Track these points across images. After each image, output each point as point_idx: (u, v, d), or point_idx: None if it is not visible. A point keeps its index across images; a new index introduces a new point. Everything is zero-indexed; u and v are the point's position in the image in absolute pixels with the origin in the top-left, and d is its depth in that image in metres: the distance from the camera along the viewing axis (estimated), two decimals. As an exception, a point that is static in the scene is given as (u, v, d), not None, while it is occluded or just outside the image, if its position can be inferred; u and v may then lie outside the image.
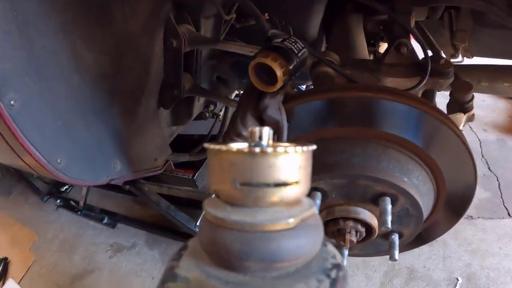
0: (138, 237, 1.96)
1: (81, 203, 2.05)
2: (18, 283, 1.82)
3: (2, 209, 2.28)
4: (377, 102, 0.70)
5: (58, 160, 0.81)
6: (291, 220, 0.22)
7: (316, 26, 1.16)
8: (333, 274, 0.23)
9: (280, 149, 0.22)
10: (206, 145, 0.23)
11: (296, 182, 0.23)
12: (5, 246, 2.04)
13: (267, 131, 0.23)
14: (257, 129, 0.23)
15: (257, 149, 0.22)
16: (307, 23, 1.14)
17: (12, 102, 0.68)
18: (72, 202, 2.17)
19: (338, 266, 0.24)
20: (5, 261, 1.91)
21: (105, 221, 2.03)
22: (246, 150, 0.22)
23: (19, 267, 1.91)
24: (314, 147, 0.25)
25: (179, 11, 0.99)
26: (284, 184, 0.22)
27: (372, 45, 1.60)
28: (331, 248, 0.26)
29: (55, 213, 2.18)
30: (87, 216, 2.08)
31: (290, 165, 0.23)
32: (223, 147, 0.22)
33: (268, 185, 0.22)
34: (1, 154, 0.87)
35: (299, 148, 0.22)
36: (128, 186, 1.55)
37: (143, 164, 1.06)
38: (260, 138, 0.23)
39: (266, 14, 1.03)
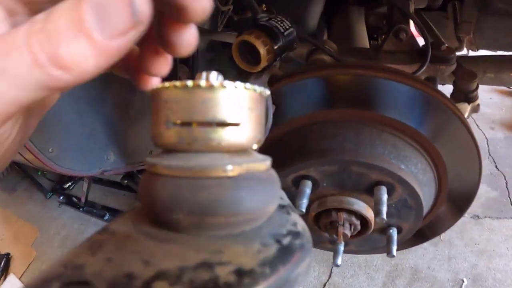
0: (138, 234, 1.96)
1: (83, 200, 2.06)
2: (19, 279, 1.83)
3: (7, 206, 2.31)
4: (371, 81, 0.65)
5: (50, 149, 0.80)
6: (230, 167, 0.19)
7: (315, 17, 1.14)
8: (285, 240, 0.19)
9: (215, 83, 0.19)
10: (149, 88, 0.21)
11: (237, 124, 0.20)
12: (8, 242, 2.07)
13: (214, 74, 0.20)
14: (204, 72, 0.21)
15: (190, 82, 0.19)
16: (307, 14, 1.12)
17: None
18: (74, 199, 2.18)
19: (295, 234, 0.20)
20: (7, 257, 1.93)
21: (106, 217, 2.04)
22: (178, 84, 0.19)
23: (20, 262, 1.93)
24: (267, 91, 0.22)
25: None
26: (221, 124, 0.19)
27: (375, 39, 1.57)
28: (295, 217, 0.22)
29: (58, 210, 2.19)
30: (89, 213, 2.09)
31: (229, 102, 0.19)
32: (159, 85, 0.20)
33: (202, 123, 0.19)
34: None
35: (240, 84, 0.19)
36: (126, 181, 1.54)
37: (138, 157, 1.05)
38: (206, 79, 0.20)
39: (264, 5, 1.02)
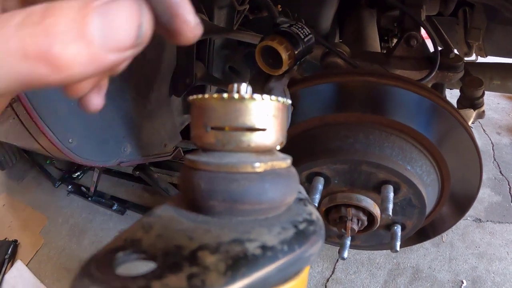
0: (145, 225, 2.00)
1: (92, 189, 2.09)
2: (27, 265, 1.87)
3: (15, 194, 2.34)
4: (382, 88, 0.69)
5: (70, 140, 0.83)
6: (257, 165, 0.23)
7: (328, 19, 1.16)
8: (301, 226, 0.23)
9: (246, 95, 0.23)
10: (189, 97, 0.24)
11: (264, 129, 0.23)
12: (16, 229, 2.10)
13: (245, 86, 0.24)
14: (235, 84, 0.24)
15: (225, 95, 0.23)
16: (320, 16, 1.14)
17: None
18: (83, 188, 2.21)
19: (310, 221, 0.24)
20: (15, 244, 1.96)
21: (114, 207, 2.07)
22: (215, 96, 0.23)
23: (28, 249, 1.95)
24: (289, 101, 0.25)
25: (192, 0, 1.01)
26: (251, 129, 0.23)
27: (386, 41, 1.60)
28: (311, 208, 0.26)
29: (66, 199, 2.22)
30: (98, 203, 2.12)
31: (257, 111, 0.23)
32: (200, 96, 0.23)
33: (235, 128, 0.23)
34: (16, 133, 0.89)
35: (266, 97, 0.23)
36: (138, 173, 1.58)
37: (153, 149, 1.08)
38: (238, 91, 0.24)
39: (279, 6, 1.04)
